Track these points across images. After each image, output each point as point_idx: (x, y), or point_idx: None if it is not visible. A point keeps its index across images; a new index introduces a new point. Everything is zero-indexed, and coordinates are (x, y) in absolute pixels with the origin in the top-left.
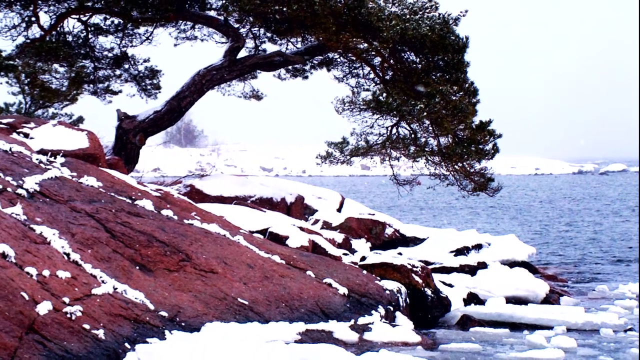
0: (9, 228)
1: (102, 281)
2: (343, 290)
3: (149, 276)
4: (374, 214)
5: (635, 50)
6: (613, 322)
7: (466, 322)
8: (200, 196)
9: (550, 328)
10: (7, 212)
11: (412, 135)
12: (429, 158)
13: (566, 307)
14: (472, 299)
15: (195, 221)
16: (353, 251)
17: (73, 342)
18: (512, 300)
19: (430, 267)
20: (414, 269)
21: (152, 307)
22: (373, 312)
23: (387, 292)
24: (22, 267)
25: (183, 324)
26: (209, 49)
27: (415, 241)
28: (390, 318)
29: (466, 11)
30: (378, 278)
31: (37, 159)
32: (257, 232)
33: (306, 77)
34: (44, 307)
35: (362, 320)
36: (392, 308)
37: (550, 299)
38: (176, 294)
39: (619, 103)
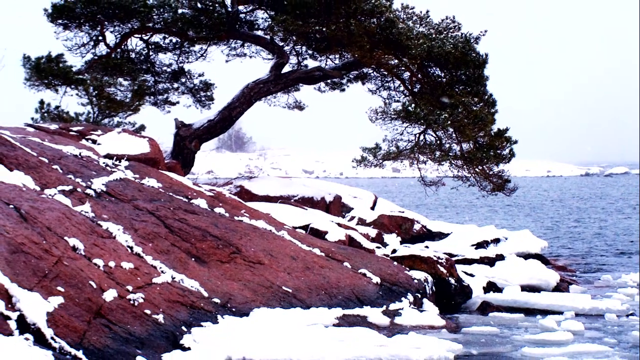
0: (79, 224)
1: (162, 271)
2: (376, 279)
3: (203, 267)
4: (403, 212)
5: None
6: (616, 307)
7: (485, 308)
8: (248, 196)
9: (560, 313)
10: (77, 209)
11: (438, 142)
12: (453, 162)
13: (574, 295)
14: (491, 287)
15: (244, 218)
16: (385, 245)
17: (135, 326)
18: (526, 288)
19: (453, 258)
20: (439, 260)
21: (206, 294)
22: (403, 299)
23: (415, 281)
24: (90, 259)
25: (234, 309)
26: (257, 65)
27: (440, 236)
28: (418, 304)
29: (486, 31)
30: (407, 268)
31: (103, 163)
32: (300, 227)
33: (343, 90)
34: (109, 295)
35: (393, 306)
36: (419, 295)
37: (561, 287)
38: (227, 283)
39: (621, 114)
